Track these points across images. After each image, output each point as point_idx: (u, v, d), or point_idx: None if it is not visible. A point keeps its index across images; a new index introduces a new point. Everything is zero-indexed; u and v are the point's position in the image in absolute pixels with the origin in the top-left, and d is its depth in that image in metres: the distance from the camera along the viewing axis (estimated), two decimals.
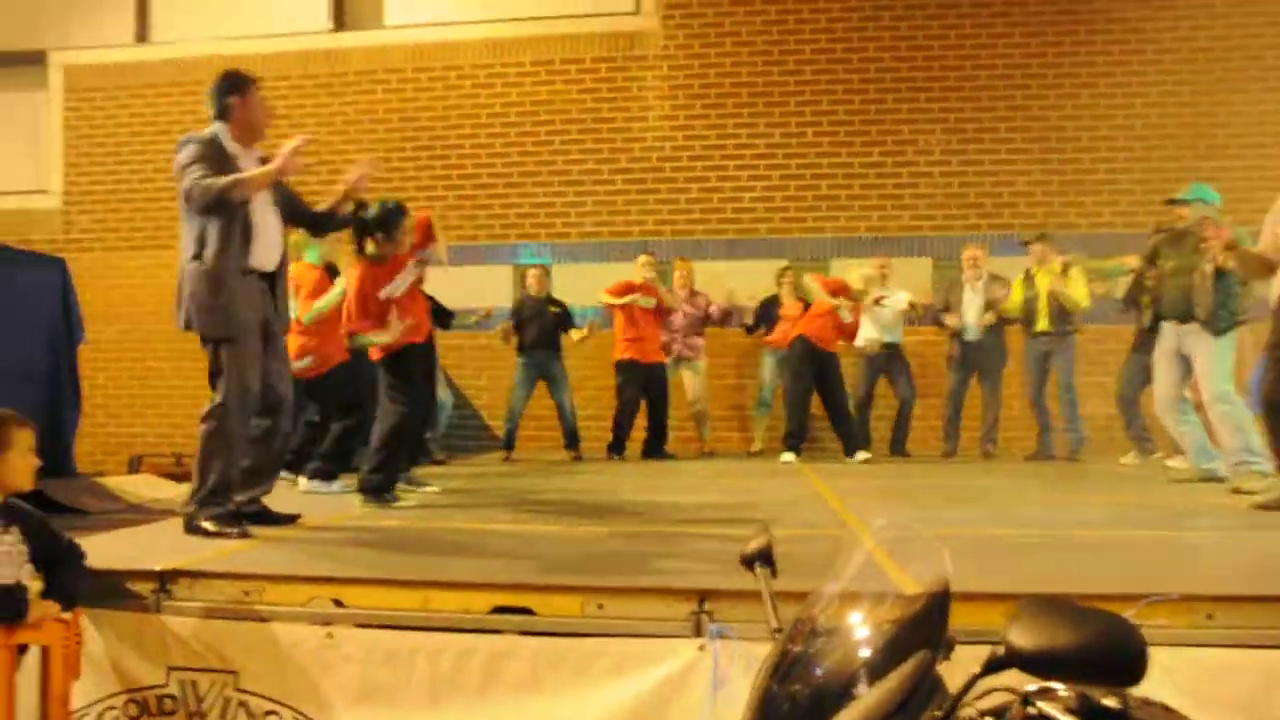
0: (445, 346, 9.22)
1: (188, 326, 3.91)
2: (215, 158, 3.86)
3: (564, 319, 8.02)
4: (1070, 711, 1.32)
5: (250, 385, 3.89)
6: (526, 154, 9.42)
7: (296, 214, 4.28)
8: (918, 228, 8.94)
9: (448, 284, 8.98)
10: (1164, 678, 2.52)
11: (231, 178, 3.77)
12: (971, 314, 7.81)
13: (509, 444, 7.98)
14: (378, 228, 4.82)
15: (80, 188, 10.07)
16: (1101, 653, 1.20)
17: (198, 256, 3.83)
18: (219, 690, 2.93)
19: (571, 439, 7.97)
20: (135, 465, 9.24)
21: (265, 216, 4.02)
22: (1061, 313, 7.37)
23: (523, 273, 9.14)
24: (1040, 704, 1.35)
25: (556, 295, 8.17)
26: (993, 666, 1.27)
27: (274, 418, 4.12)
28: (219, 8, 9.98)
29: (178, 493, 5.02)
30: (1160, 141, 8.64)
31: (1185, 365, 5.54)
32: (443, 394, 7.91)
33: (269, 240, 4.02)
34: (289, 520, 4.14)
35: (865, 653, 1.45)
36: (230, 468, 3.88)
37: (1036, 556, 3.37)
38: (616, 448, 7.77)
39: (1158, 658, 2.76)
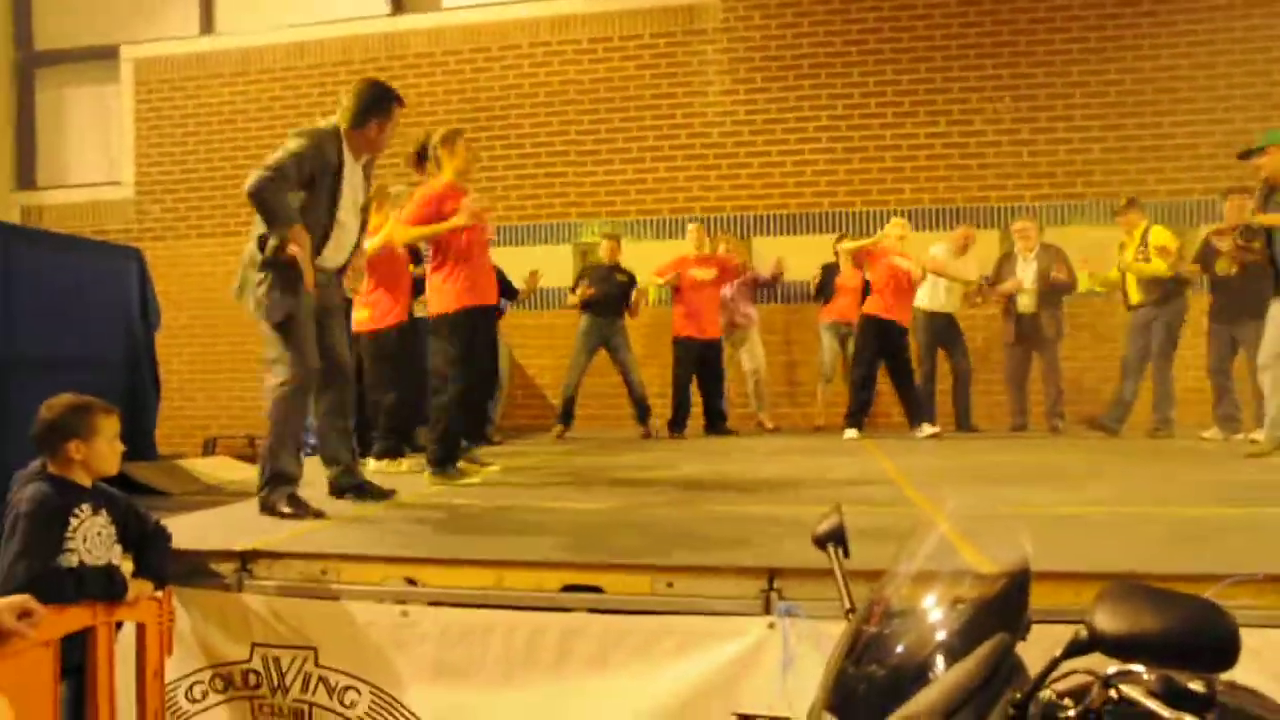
0: (508, 326, 9.33)
1: (250, 311, 3.96)
2: (317, 160, 3.86)
3: (629, 289, 7.96)
4: (1154, 695, 1.28)
5: (310, 366, 3.97)
6: (585, 132, 9.41)
7: None
8: (985, 198, 8.73)
9: (513, 262, 9.15)
10: (1250, 660, 2.44)
11: (280, 222, 3.74)
12: (1026, 286, 7.62)
13: (565, 418, 7.86)
14: (441, 145, 5.03)
15: (151, 178, 10.34)
16: (1191, 637, 1.17)
17: (261, 244, 3.84)
18: (299, 665, 3.02)
19: (642, 410, 7.87)
20: (210, 447, 9.51)
21: (348, 220, 4.12)
22: (1154, 282, 6.96)
23: (583, 249, 9.20)
24: (1123, 687, 1.31)
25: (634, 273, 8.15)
26: (1075, 649, 1.24)
27: (340, 390, 4.24)
28: None
29: (251, 474, 5.14)
30: (1244, 102, 8.28)
31: None
32: (503, 368, 7.99)
33: (342, 244, 4.12)
34: (387, 495, 4.27)
35: (941, 634, 1.43)
36: (294, 449, 3.98)
37: (1109, 535, 3.27)
38: (677, 425, 7.75)
39: (1245, 641, 2.69)
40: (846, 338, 8.04)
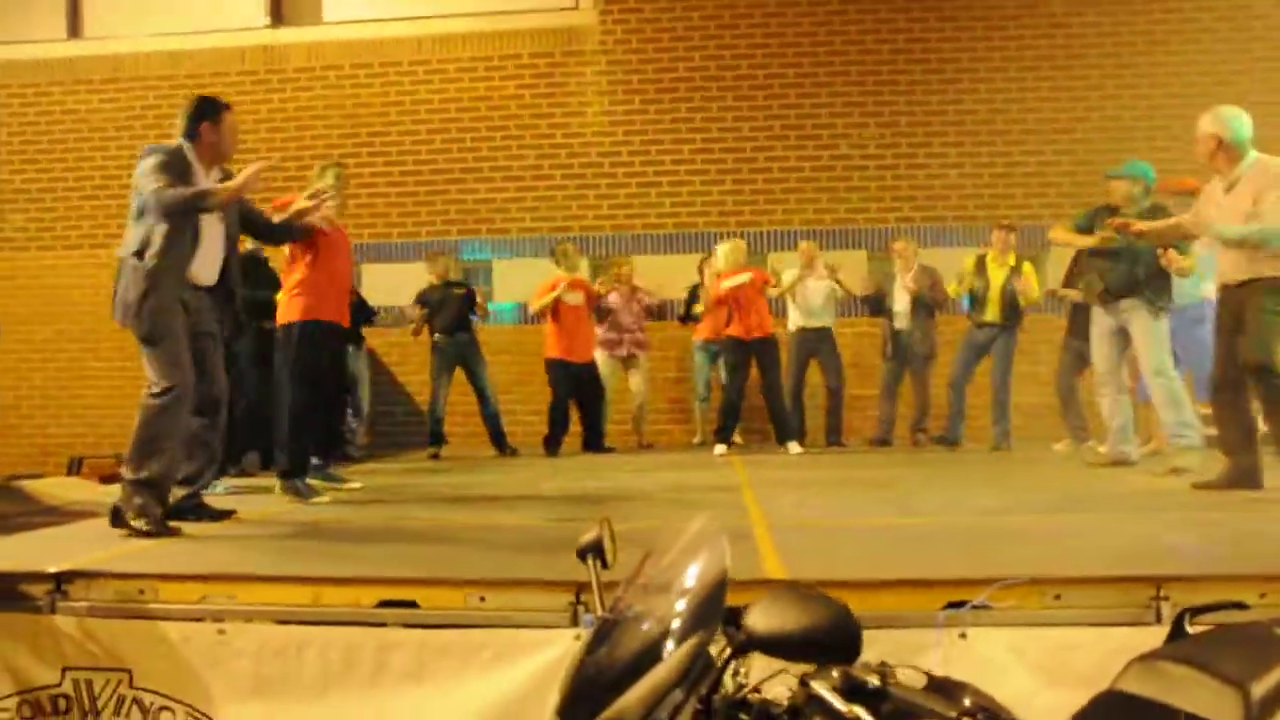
0: (387, 344, 9.32)
1: (123, 322, 4.03)
2: (178, 170, 4.01)
3: (470, 300, 7.94)
4: (836, 690, 1.43)
5: (186, 378, 3.98)
6: (466, 150, 9.45)
7: (253, 225, 4.57)
8: (852, 220, 9.09)
9: (393, 277, 9.12)
10: (1015, 658, 2.66)
11: (198, 189, 3.98)
12: (900, 305, 7.95)
13: (436, 440, 7.83)
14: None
15: (13, 186, 9.96)
16: (822, 635, 1.31)
17: (138, 255, 3.95)
18: (113, 689, 2.98)
19: (498, 436, 7.89)
20: (76, 467, 9.15)
21: (210, 231, 4.16)
22: (1011, 306, 7.37)
23: (464, 267, 9.23)
24: (813, 684, 1.46)
25: (497, 290, 8.20)
26: (739, 649, 1.38)
27: (213, 416, 4.28)
28: (153, 3, 9.91)
29: (100, 493, 5.04)
30: (1086, 134, 8.84)
31: (1123, 341, 5.62)
32: (364, 390, 7.94)
33: (209, 256, 4.16)
34: (225, 515, 4.30)
35: (652, 637, 1.56)
36: (163, 462, 3.94)
37: (912, 545, 3.48)
38: (552, 444, 7.81)
39: (1009, 638, 2.89)
40: (717, 355, 8.24)
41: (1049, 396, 7.90)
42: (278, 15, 9.81)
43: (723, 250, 7.59)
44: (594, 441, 7.99)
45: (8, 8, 10.07)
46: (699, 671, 1.50)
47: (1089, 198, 8.67)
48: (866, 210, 9.07)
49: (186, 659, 2.95)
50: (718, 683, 1.43)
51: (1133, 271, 5.47)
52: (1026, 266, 7.45)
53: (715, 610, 1.56)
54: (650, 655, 1.53)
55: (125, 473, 3.94)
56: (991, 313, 7.46)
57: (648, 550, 1.77)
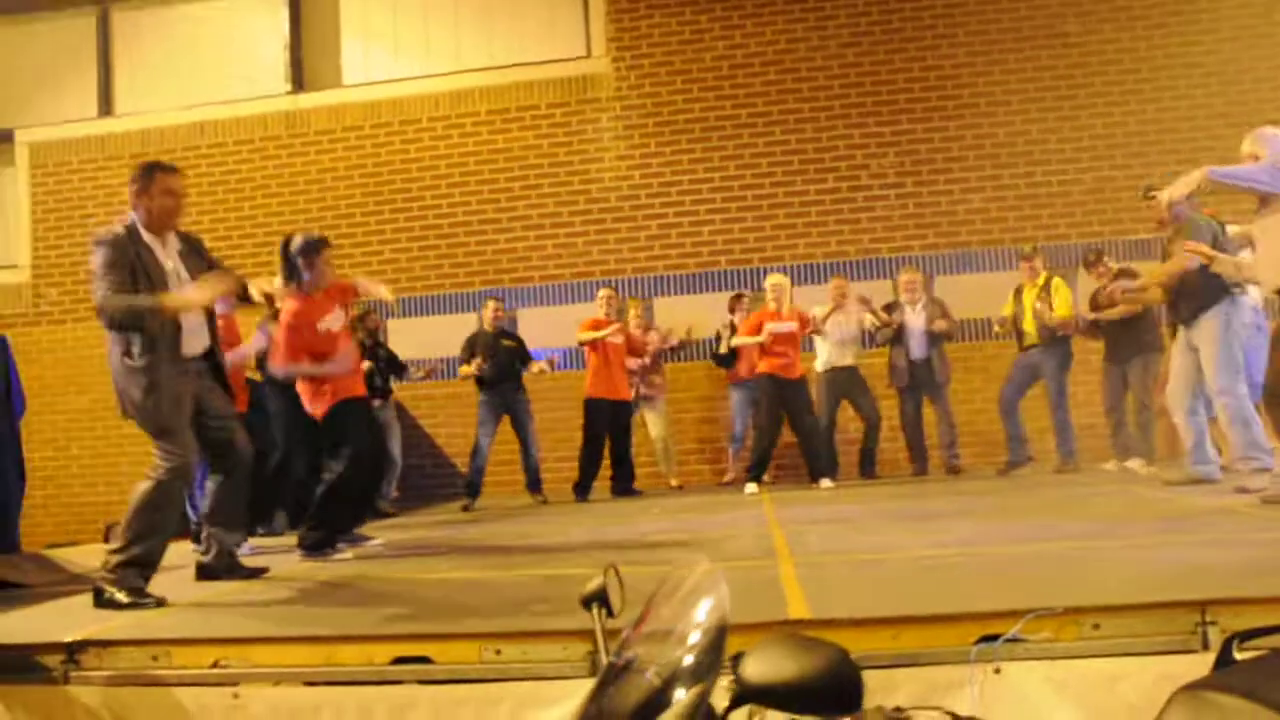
0: (416, 397, 9.34)
1: (125, 416, 4.01)
2: (126, 260, 3.88)
3: (520, 353, 7.92)
4: None
5: (188, 463, 3.96)
6: (486, 201, 9.52)
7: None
8: (876, 250, 9.01)
9: (417, 332, 9.18)
10: (1053, 692, 2.52)
11: (142, 306, 3.82)
12: (914, 335, 7.86)
13: (473, 491, 7.75)
14: (300, 254, 4.95)
15: (49, 261, 10.19)
16: (820, 684, 1.22)
17: (127, 354, 3.88)
18: None
19: (535, 483, 7.85)
20: (109, 534, 9.23)
21: (189, 311, 4.05)
22: (1047, 326, 7.29)
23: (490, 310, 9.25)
24: None
25: (521, 337, 8.17)
26: (737, 700, 1.28)
27: (232, 472, 4.27)
28: (179, 77, 10.18)
29: None
30: (1107, 152, 8.72)
31: (1195, 359, 5.44)
32: (394, 444, 7.93)
33: (191, 328, 4.08)
34: (260, 574, 4.31)
35: (654, 686, 1.47)
36: (161, 540, 3.90)
37: (943, 577, 3.34)
38: (582, 490, 7.72)
39: (1047, 671, 2.74)
40: (755, 395, 8.12)
41: (1089, 417, 7.74)
42: (299, 82, 10.02)
43: (773, 285, 7.53)
44: (623, 484, 7.89)
45: (40, 90, 10.40)
46: None
47: (1113, 215, 8.61)
48: (891, 239, 8.98)
49: None
50: None
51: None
52: (1056, 282, 7.37)
53: (716, 659, 1.48)
54: (651, 706, 1.45)
55: (112, 549, 3.88)
56: (1030, 336, 7.42)
57: (652, 594, 1.70)
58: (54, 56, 10.44)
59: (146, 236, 4.00)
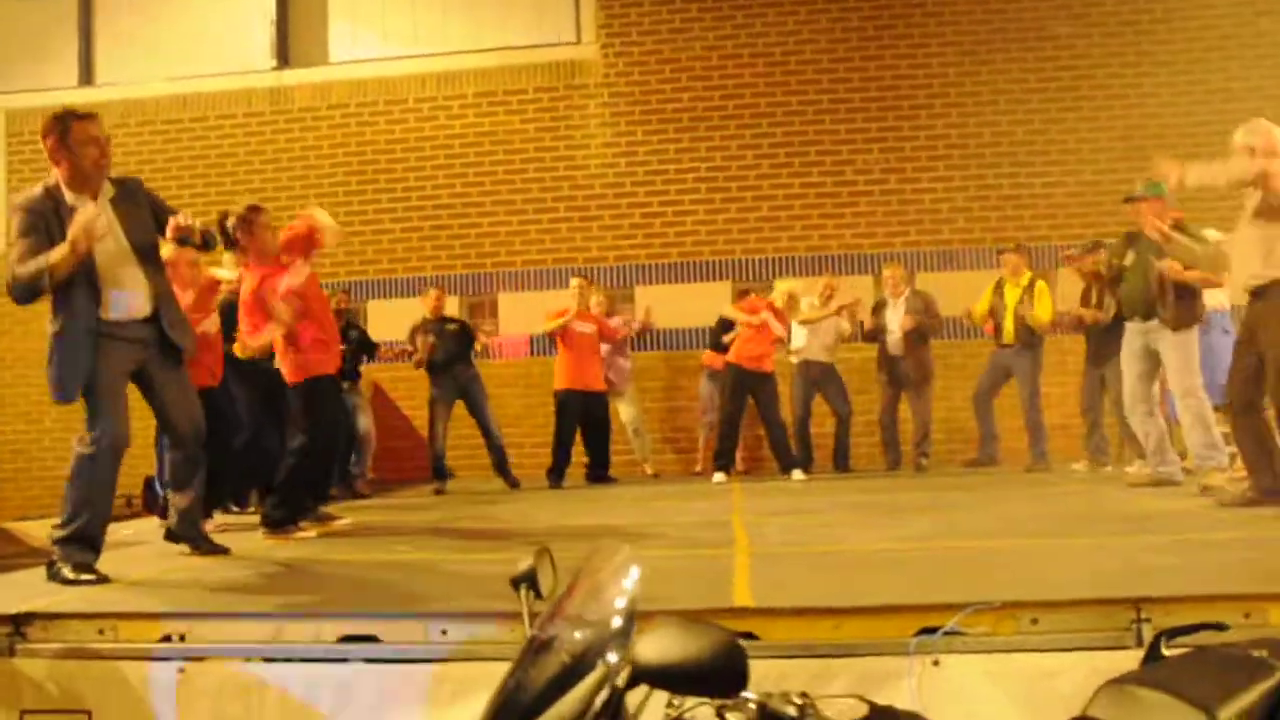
0: (395, 379, 9.31)
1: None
2: (44, 224, 3.59)
3: (465, 334, 7.85)
4: None
5: (115, 435, 3.77)
6: (471, 184, 9.48)
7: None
8: (858, 245, 9.01)
9: (398, 313, 9.12)
10: (989, 684, 2.53)
11: (31, 270, 3.53)
12: (895, 330, 7.86)
13: (439, 474, 7.72)
14: (239, 229, 4.93)
15: None
16: (708, 665, 1.24)
17: (54, 320, 3.71)
18: None
19: (502, 469, 7.78)
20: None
21: (121, 268, 3.78)
22: (1026, 327, 7.30)
23: (468, 302, 9.23)
24: (728, 715, 1.39)
25: (503, 323, 8.14)
26: (631, 681, 1.30)
27: (185, 449, 4.09)
28: (163, 49, 10.06)
29: None
30: (1091, 156, 8.74)
31: (1153, 362, 5.58)
32: (364, 424, 7.89)
33: (121, 289, 3.78)
34: (223, 551, 4.23)
35: (564, 666, 1.49)
36: (97, 514, 3.79)
37: (893, 570, 3.35)
38: (555, 476, 7.73)
39: (985, 665, 2.77)
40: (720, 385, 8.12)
41: (1064, 417, 7.77)
42: (284, 57, 9.93)
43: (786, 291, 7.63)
44: (597, 472, 7.90)
45: (22, 57, 10.27)
46: (606, 703, 1.43)
47: (1095, 218, 8.61)
48: (873, 235, 8.99)
49: (147, 699, 2.88)
50: (617, 714, 1.35)
51: (1146, 289, 5.42)
52: (1040, 285, 7.37)
53: (624, 641, 1.49)
54: (561, 683, 1.47)
55: (54, 524, 3.80)
56: (1008, 334, 7.43)
57: (575, 576, 1.71)
58: (36, 23, 10.32)
59: (69, 195, 3.67)
